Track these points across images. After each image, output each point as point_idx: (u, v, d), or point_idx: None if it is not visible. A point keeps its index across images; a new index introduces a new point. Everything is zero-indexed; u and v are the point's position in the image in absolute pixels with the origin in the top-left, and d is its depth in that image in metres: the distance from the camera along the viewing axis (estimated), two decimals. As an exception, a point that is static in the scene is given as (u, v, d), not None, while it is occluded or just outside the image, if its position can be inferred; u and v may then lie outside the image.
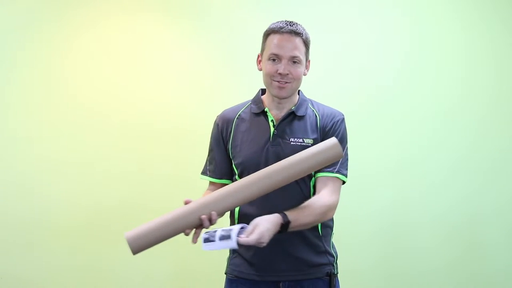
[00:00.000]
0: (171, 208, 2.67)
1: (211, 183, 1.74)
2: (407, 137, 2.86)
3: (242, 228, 1.42)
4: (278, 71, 1.58)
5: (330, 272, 1.63)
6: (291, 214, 1.48)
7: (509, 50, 2.94)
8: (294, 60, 1.59)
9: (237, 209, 1.65)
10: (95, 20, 2.73)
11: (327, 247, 1.66)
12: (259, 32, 2.76)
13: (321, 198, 1.57)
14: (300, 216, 1.51)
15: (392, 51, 2.89)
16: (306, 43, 1.63)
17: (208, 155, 1.76)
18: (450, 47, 2.91)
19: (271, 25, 1.64)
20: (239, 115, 1.70)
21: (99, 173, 2.67)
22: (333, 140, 1.48)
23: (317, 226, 1.62)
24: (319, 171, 1.61)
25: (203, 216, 1.43)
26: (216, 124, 1.73)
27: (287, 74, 1.59)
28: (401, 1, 2.92)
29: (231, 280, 1.67)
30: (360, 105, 2.80)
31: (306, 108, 1.67)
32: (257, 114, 1.67)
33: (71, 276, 2.63)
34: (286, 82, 1.60)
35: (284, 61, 1.58)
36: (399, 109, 2.86)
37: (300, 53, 1.60)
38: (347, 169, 1.65)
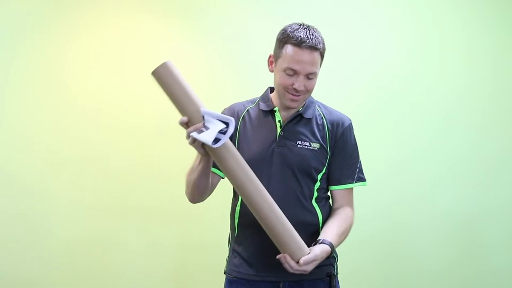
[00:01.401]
0: (172, 207, 2.70)
1: None
2: (407, 138, 2.85)
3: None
4: (294, 86, 1.55)
5: (330, 273, 1.64)
6: (334, 241, 1.56)
7: (509, 50, 2.94)
8: (310, 77, 1.56)
9: (237, 209, 1.65)
10: (95, 20, 2.73)
11: (327, 249, 1.66)
12: (259, 32, 2.79)
13: (350, 216, 1.65)
14: (338, 238, 1.58)
15: (392, 51, 2.88)
16: (323, 55, 1.58)
17: None
18: (450, 47, 2.90)
19: (289, 30, 1.56)
20: (247, 111, 1.69)
21: (100, 172, 2.67)
22: (307, 251, 1.47)
23: (317, 228, 1.63)
24: (339, 182, 1.66)
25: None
26: None
27: (303, 89, 1.56)
28: (402, 0, 2.92)
29: (231, 280, 1.67)
30: (360, 105, 2.80)
31: (314, 111, 1.67)
32: (265, 113, 1.66)
33: (71, 276, 2.63)
34: (300, 95, 1.58)
35: (301, 77, 1.54)
36: (399, 109, 2.86)
37: (316, 68, 1.56)
38: (363, 172, 1.71)
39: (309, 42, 1.52)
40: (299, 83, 1.54)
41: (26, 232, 2.62)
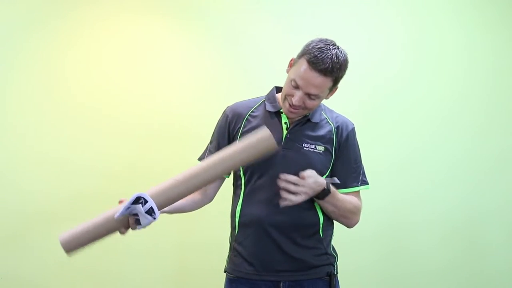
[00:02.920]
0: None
1: None
2: (407, 137, 2.85)
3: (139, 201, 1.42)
4: (292, 99, 1.55)
5: (330, 272, 1.64)
6: (333, 189, 1.55)
7: (509, 49, 2.93)
8: (311, 97, 1.54)
9: (238, 208, 1.65)
10: (96, 20, 2.73)
11: (327, 248, 1.66)
12: (259, 32, 2.79)
13: (357, 200, 1.67)
14: (341, 197, 1.58)
15: (391, 51, 2.88)
16: (336, 80, 1.55)
17: (210, 143, 1.75)
18: (449, 46, 2.90)
19: (312, 45, 1.52)
20: (252, 111, 1.68)
21: (99, 172, 2.67)
22: (266, 132, 1.44)
23: (317, 228, 1.63)
24: (344, 186, 1.65)
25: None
26: (226, 115, 1.71)
27: (300, 105, 1.55)
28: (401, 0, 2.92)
29: (231, 280, 1.67)
30: (359, 105, 2.79)
31: (320, 115, 1.67)
32: (271, 114, 1.65)
33: (70, 276, 2.63)
34: (297, 109, 1.57)
35: (301, 93, 1.53)
36: (398, 109, 2.86)
37: (320, 91, 1.53)
38: (365, 175, 1.73)
39: (320, 65, 1.48)
40: (297, 98, 1.53)
41: (26, 232, 2.62)
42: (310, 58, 1.49)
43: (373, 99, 2.84)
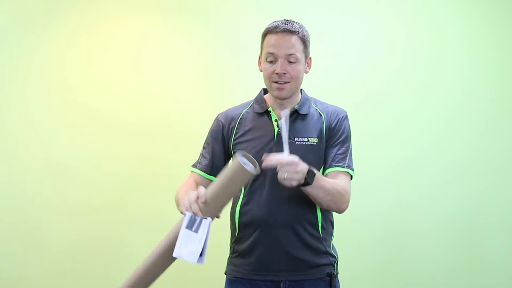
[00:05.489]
0: (172, 209, 2.67)
1: (197, 175, 1.71)
2: (409, 139, 2.83)
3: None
4: (275, 71, 1.58)
5: (331, 273, 1.63)
6: (316, 172, 1.48)
7: (512, 46, 2.91)
8: (291, 60, 1.58)
9: (238, 209, 1.65)
10: (96, 20, 2.73)
11: (327, 248, 1.65)
12: (258, 31, 2.78)
13: (341, 184, 1.57)
14: (324, 179, 1.52)
15: (393, 51, 2.87)
16: (304, 40, 1.62)
17: (203, 149, 1.75)
18: (452, 46, 2.88)
19: (268, 25, 1.64)
20: (242, 114, 1.70)
21: (98, 174, 2.67)
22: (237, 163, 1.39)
23: (317, 227, 1.62)
24: (330, 165, 1.61)
25: None
26: (218, 120, 1.73)
27: (284, 73, 1.59)
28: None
29: (232, 280, 1.67)
30: (360, 105, 2.79)
31: (309, 107, 1.68)
32: (260, 114, 1.68)
33: (70, 279, 2.63)
34: (285, 82, 1.60)
35: (280, 60, 1.58)
36: (400, 110, 2.84)
37: (296, 51, 1.59)
38: (352, 162, 1.66)
39: (283, 26, 1.58)
40: (279, 66, 1.58)
41: (26, 234, 2.62)
42: (271, 29, 1.60)
43: (374, 99, 2.83)
